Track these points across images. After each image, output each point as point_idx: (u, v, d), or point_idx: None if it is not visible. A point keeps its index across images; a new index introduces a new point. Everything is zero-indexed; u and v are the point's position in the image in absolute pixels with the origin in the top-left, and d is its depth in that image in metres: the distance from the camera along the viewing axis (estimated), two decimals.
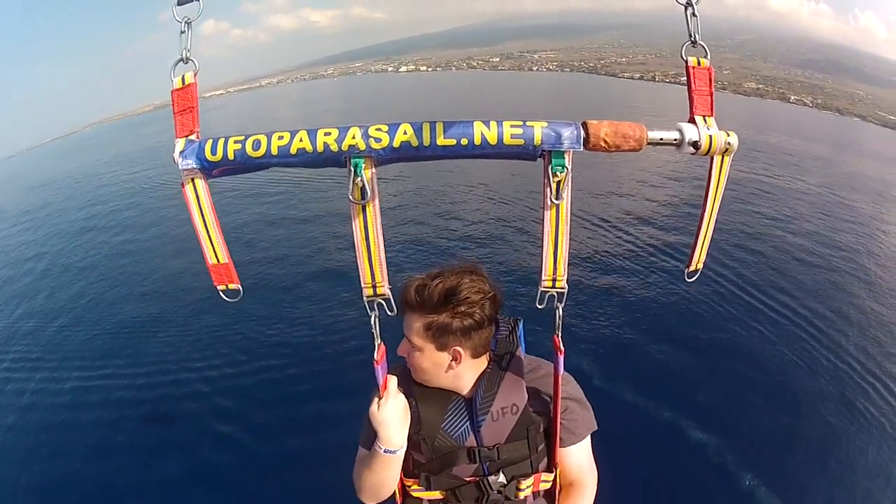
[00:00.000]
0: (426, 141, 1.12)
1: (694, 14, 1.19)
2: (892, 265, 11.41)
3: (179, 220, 14.16)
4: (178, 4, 1.18)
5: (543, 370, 1.60)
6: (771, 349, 7.62)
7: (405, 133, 1.12)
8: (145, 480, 5.76)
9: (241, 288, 1.30)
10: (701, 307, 8.40)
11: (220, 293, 1.31)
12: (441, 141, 1.11)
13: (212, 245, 1.26)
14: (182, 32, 1.18)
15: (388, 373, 1.48)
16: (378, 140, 1.13)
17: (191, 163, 1.18)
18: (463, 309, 1.42)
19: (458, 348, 1.49)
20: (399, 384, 1.50)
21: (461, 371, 1.53)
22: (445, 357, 1.50)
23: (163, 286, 10.74)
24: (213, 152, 1.17)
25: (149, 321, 9.26)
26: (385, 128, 1.13)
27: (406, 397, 1.54)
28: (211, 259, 1.27)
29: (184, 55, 1.18)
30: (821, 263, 10.75)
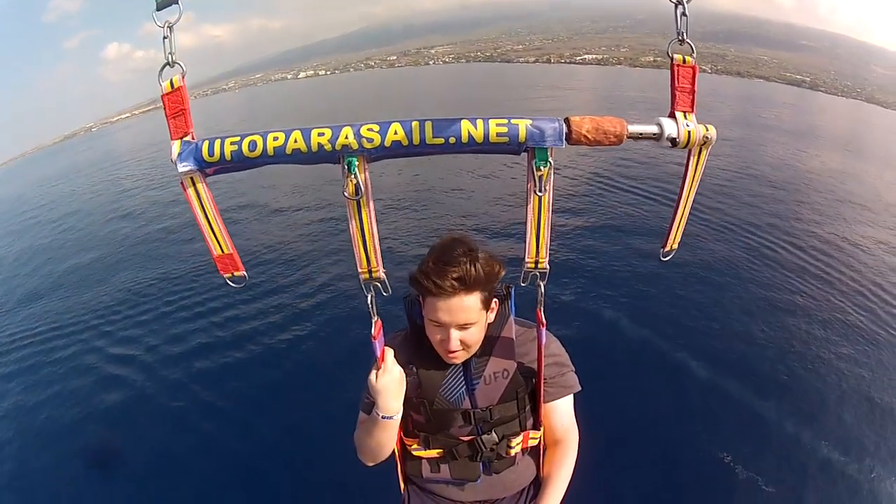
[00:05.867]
0: (416, 140, 1.17)
1: (684, 13, 1.20)
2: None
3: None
4: (158, 10, 1.17)
5: (532, 335, 1.72)
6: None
7: (396, 133, 1.17)
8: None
9: (246, 274, 1.35)
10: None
11: (227, 281, 1.35)
12: (430, 140, 1.17)
13: (216, 238, 1.29)
14: (165, 38, 1.18)
15: (385, 345, 1.56)
16: (370, 140, 1.17)
17: (188, 164, 1.20)
18: (497, 271, 1.55)
19: (495, 299, 1.65)
20: (399, 353, 1.59)
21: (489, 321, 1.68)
22: (487, 316, 1.63)
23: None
24: (211, 153, 1.20)
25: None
26: (376, 128, 1.18)
27: (407, 364, 1.64)
28: (216, 250, 1.31)
29: (170, 59, 1.19)
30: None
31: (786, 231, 10.65)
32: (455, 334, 1.56)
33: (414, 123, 1.18)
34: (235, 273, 1.34)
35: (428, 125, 1.18)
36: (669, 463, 5.07)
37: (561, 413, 1.80)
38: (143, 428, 6.05)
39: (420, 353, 1.70)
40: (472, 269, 1.47)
